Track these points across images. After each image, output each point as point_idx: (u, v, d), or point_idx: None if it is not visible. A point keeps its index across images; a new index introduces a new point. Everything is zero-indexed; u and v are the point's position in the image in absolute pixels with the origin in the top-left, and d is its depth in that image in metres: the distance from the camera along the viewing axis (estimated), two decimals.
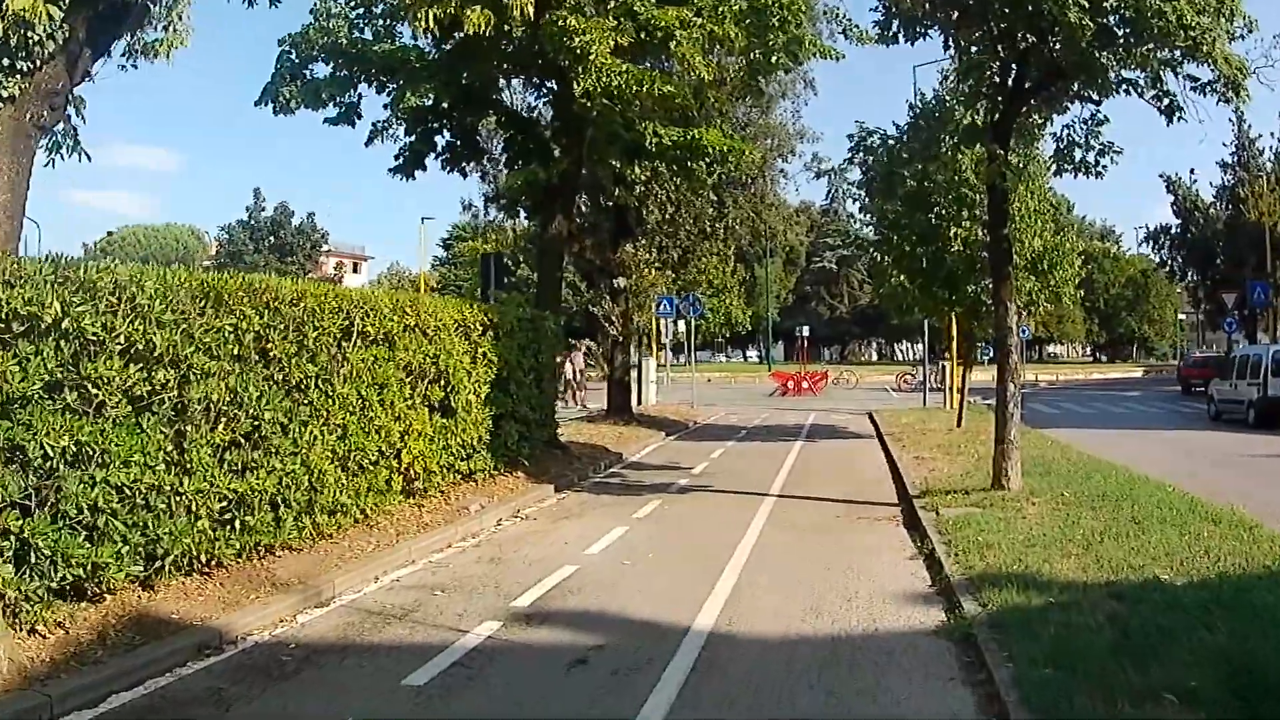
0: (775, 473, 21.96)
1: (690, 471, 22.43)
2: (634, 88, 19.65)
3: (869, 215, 28.95)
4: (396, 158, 24.95)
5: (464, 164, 25.47)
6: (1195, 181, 69.67)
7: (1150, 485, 17.25)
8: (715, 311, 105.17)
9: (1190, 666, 7.61)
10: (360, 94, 23.81)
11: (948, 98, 17.85)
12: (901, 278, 27.81)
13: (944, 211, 25.97)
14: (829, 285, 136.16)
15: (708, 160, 24.81)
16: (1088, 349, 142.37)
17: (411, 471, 15.38)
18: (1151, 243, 74.37)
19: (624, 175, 27.78)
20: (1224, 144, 65.57)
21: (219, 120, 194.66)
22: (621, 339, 33.42)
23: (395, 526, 14.60)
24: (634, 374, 41.68)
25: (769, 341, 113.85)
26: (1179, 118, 15.72)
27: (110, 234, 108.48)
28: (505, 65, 23.75)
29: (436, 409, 16.22)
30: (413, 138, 24.58)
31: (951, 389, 39.66)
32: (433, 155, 25.00)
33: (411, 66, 22.49)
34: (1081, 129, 16.79)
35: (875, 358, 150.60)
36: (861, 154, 17.11)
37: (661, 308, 41.81)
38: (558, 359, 44.95)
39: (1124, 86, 15.84)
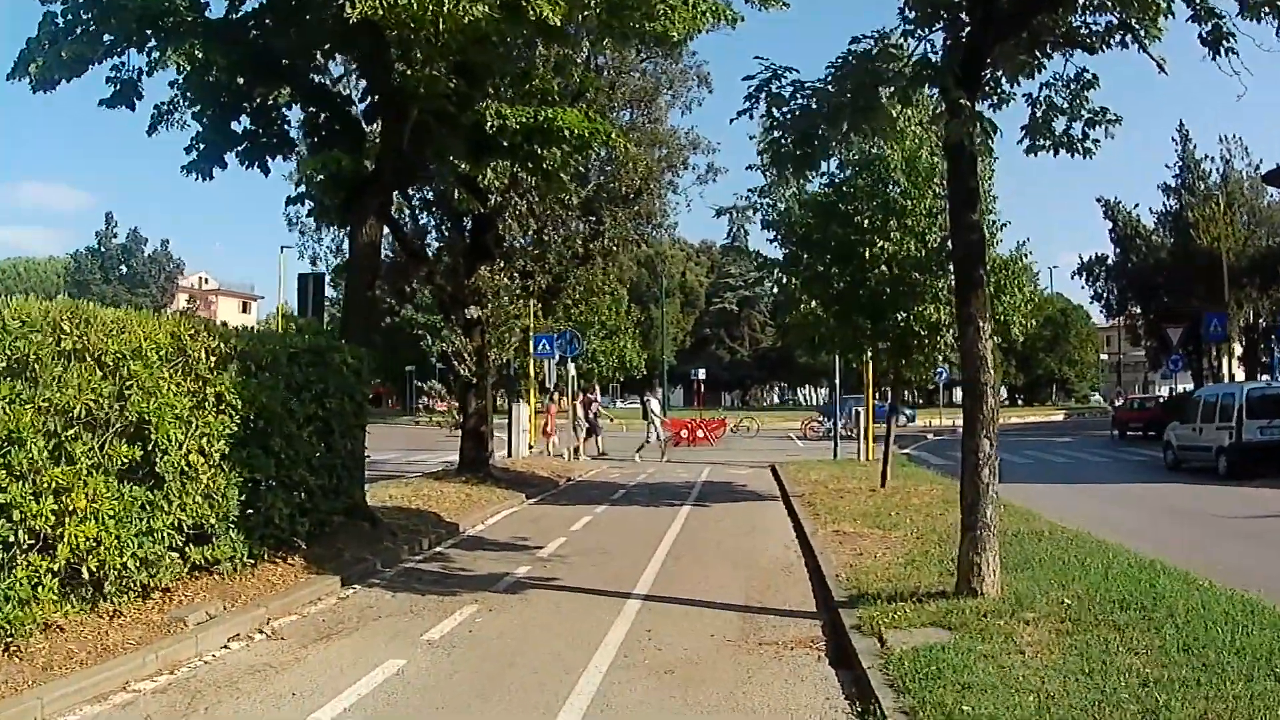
0: (649, 555, 16.45)
1: (537, 553, 16.84)
2: (428, 7, 14.07)
3: (771, 229, 23.43)
4: (188, 150, 19.26)
5: (267, 157, 19.76)
6: (1136, 207, 65.77)
7: (1175, 578, 12.23)
8: (608, 354, 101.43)
9: None
10: (140, 68, 18.20)
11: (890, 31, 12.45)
12: (814, 304, 22.56)
13: (866, 222, 21.08)
14: (729, 327, 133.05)
15: (565, 148, 19.22)
16: (1002, 391, 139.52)
17: (85, 568, 9.98)
18: (1085, 275, 69.98)
19: (473, 179, 22.36)
20: (1166, 165, 62.45)
21: (128, 157, 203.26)
22: (474, 380, 27.71)
23: (55, 652, 9.39)
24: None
25: (665, 386, 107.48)
26: (1227, 50, 10.78)
27: None
28: (316, 37, 18.28)
29: (131, 475, 10.79)
30: (203, 124, 18.96)
31: (867, 438, 34.91)
32: (231, 148, 19.37)
33: (182, 20, 17.02)
34: (1065, 91, 11.83)
35: (777, 402, 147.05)
36: (765, 103, 11.73)
37: (541, 347, 37.38)
38: (579, 403, 40.75)
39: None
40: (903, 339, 22.17)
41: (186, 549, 11.83)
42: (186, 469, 11.55)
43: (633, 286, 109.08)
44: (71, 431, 9.97)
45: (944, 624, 10.12)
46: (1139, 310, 69.39)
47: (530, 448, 39.98)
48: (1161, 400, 53.66)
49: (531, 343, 36.74)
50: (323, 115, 19.42)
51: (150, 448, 10.94)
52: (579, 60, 22.80)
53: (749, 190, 22.82)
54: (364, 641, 10.95)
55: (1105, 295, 70.81)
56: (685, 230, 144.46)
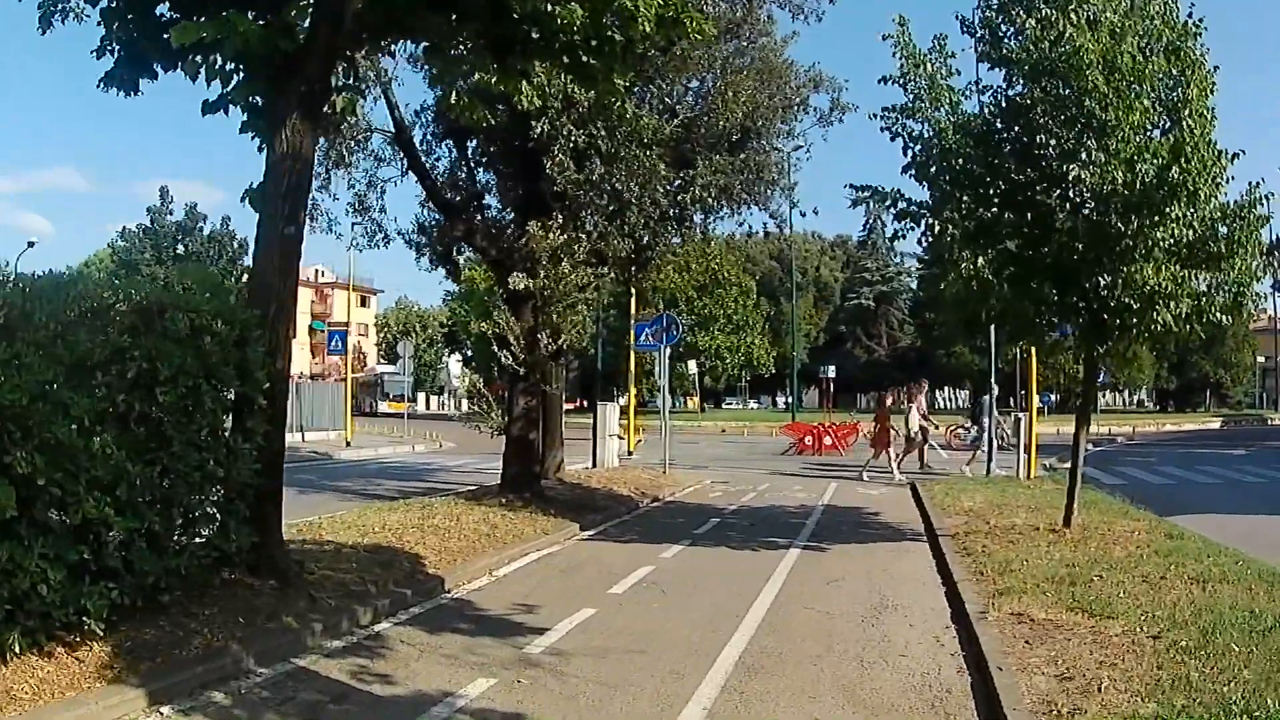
0: (708, 661, 9.70)
1: (526, 647, 10.18)
2: None
3: (916, 169, 16.46)
4: (99, 54, 13.16)
5: (197, 58, 13.50)
6: None
7: None
8: (734, 350, 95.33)
9: None
10: None
11: None
12: (979, 262, 15.54)
13: (1054, 143, 14.55)
14: (865, 325, 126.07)
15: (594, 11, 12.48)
16: (1143, 396, 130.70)
17: None
18: (1268, 258, 62.17)
19: (509, 99, 15.52)
20: None
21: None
22: (522, 371, 20.93)
23: None
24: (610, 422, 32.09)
25: (796, 386, 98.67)
26: None
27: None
28: None
29: None
30: (105, 14, 12.78)
31: (1031, 450, 28.15)
32: (154, 47, 13.18)
33: None
34: None
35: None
36: None
37: (643, 338, 32.53)
38: (911, 403, 34.06)
39: None
40: (1099, 316, 15.35)
41: None
42: None
43: (763, 279, 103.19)
44: None
45: None
46: None
47: (629, 454, 34.16)
48: None
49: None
50: None
51: None
52: None
53: (885, 109, 16.07)
54: None
55: None
56: (819, 224, 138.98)
